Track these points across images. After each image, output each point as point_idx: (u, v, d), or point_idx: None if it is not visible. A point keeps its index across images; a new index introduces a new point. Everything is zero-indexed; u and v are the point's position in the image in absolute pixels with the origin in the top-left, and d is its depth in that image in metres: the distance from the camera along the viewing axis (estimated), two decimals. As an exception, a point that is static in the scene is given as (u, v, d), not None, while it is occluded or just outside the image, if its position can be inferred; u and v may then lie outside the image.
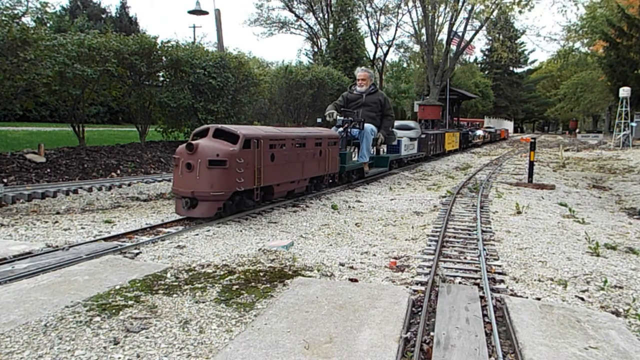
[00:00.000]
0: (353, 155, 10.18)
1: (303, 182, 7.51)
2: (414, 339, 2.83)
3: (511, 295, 3.69)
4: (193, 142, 5.64)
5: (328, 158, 8.16)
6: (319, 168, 7.90)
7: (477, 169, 15.73)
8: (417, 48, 45.78)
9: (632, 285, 4.01)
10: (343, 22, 29.58)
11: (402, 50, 54.90)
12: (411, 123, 15.22)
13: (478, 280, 4.04)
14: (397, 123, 13.87)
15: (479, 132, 34.79)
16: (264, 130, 6.42)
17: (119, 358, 2.44)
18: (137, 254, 4.46)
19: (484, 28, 36.72)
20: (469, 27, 35.57)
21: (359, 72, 10.94)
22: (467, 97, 41.05)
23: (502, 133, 49.03)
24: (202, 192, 5.55)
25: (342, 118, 9.81)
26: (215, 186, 5.55)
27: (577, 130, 66.43)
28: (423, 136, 16.16)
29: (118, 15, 45.95)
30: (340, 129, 9.65)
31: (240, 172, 5.73)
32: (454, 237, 5.65)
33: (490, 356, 2.67)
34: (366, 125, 9.96)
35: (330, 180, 8.78)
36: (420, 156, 15.78)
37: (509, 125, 79.32)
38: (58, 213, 6.86)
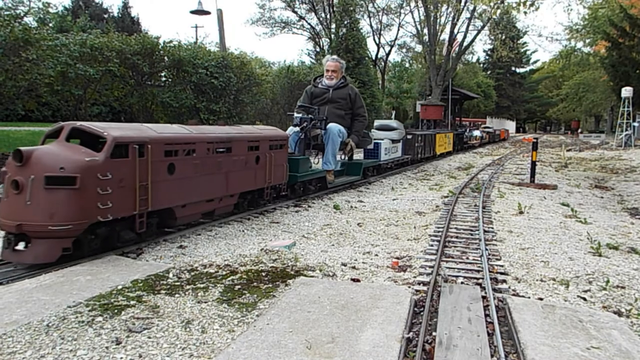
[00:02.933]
0: (316, 162, 8.55)
1: (228, 199, 5.72)
2: (416, 339, 2.82)
3: (513, 295, 3.69)
4: (24, 149, 3.94)
5: (269, 166, 6.35)
6: (255, 179, 6.09)
7: (479, 169, 15.72)
8: (419, 48, 45.73)
9: (634, 285, 4.00)
10: (345, 22, 29.51)
11: (404, 50, 54.95)
12: (393, 123, 12.95)
13: (480, 280, 4.04)
14: (376, 123, 12.89)
15: (476, 133, 32.68)
16: (157, 130, 4.69)
17: (121, 358, 2.44)
18: (140, 254, 4.46)
19: (486, 28, 36.67)
20: (471, 27, 35.57)
21: (328, 61, 8.96)
22: (469, 97, 41.08)
23: (501, 133, 46.14)
24: (35, 226, 3.76)
25: (299, 115, 8.15)
26: (57, 216, 3.77)
27: (579, 130, 66.43)
28: (409, 137, 14.43)
29: (120, 15, 45.94)
30: (297, 129, 8.01)
31: (106, 193, 3.97)
32: (456, 237, 5.65)
33: (492, 356, 2.66)
34: (331, 125, 8.22)
35: (276, 195, 7.02)
36: (405, 160, 13.86)
37: (510, 125, 79.26)
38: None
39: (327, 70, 8.84)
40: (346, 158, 9.16)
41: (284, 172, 6.85)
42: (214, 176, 5.31)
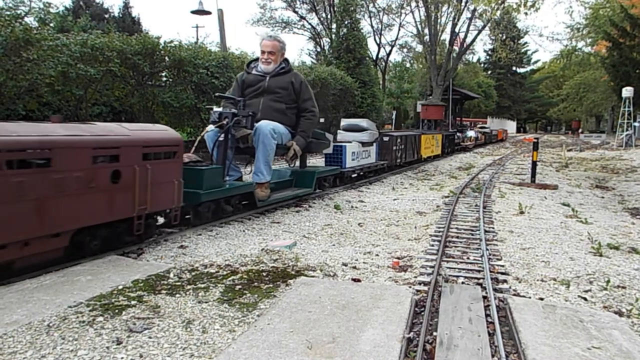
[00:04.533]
0: (248, 171, 6.76)
1: (47, 241, 3.60)
2: (417, 339, 2.82)
3: (514, 295, 3.69)
4: None
5: (143, 184, 4.31)
6: (110, 207, 4.04)
7: (480, 169, 15.72)
8: (420, 48, 45.72)
9: (634, 285, 4.00)
10: (346, 22, 29.49)
11: (405, 50, 54.94)
12: (363, 122, 10.94)
13: (481, 280, 4.04)
14: (344, 122, 11.05)
15: (471, 133, 30.00)
16: None
17: (122, 358, 2.45)
18: (140, 254, 4.46)
19: (486, 28, 36.67)
20: (471, 27, 35.59)
21: (264, 39, 6.87)
22: (470, 97, 41.03)
23: (499, 134, 43.04)
24: None
25: (218, 110, 6.16)
26: None
27: (580, 130, 66.43)
28: (386, 139, 12.56)
29: (121, 15, 45.93)
30: (212, 128, 6.02)
31: None
32: (457, 237, 5.65)
33: (493, 356, 2.66)
34: (261, 123, 6.19)
35: (163, 224, 5.32)
36: (380, 166, 11.78)
37: (511, 125, 79.26)
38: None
39: (263, 52, 6.76)
40: (292, 166, 7.33)
41: (174, 192, 4.69)
42: (6, 207, 3.25)
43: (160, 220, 5.14)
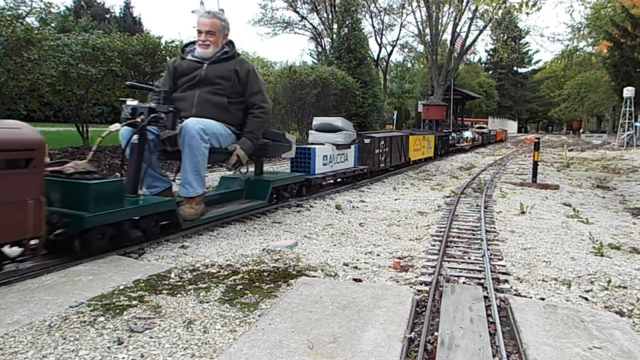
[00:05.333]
0: (176, 180, 5.50)
1: None
2: (418, 339, 2.82)
3: (515, 295, 3.69)
4: None
5: None
6: None
7: (481, 169, 15.72)
8: (421, 48, 45.74)
9: (636, 285, 4.00)
10: (347, 22, 29.47)
11: (406, 50, 54.87)
12: (338, 121, 9.53)
13: (482, 280, 4.03)
14: (316, 121, 9.64)
15: (467, 134, 28.28)
16: None
17: (123, 358, 2.45)
18: (141, 254, 4.47)
19: (488, 28, 36.67)
20: (473, 27, 35.58)
21: (201, 17, 5.39)
22: (471, 97, 40.97)
23: (498, 134, 40.80)
24: None
25: (133, 104, 4.81)
26: None
27: (581, 130, 66.41)
28: (366, 141, 11.13)
29: (122, 15, 46.05)
30: (118, 127, 4.73)
31: None
32: (458, 237, 5.65)
33: (494, 356, 2.66)
34: (187, 122, 4.89)
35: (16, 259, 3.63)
36: (359, 172, 10.36)
37: (512, 125, 79.22)
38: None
39: (199, 32, 5.39)
40: (240, 173, 6.25)
41: (26, 217, 3.30)
42: None
43: (11, 250, 3.54)
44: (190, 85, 5.37)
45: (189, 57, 5.51)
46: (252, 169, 6.50)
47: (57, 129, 21.15)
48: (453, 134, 24.45)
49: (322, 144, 8.88)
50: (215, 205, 5.69)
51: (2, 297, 3.10)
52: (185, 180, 4.96)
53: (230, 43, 5.63)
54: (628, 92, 32.21)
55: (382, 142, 11.99)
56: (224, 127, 5.31)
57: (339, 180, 9.72)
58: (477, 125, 41.36)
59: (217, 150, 5.24)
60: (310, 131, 9.52)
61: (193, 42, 5.62)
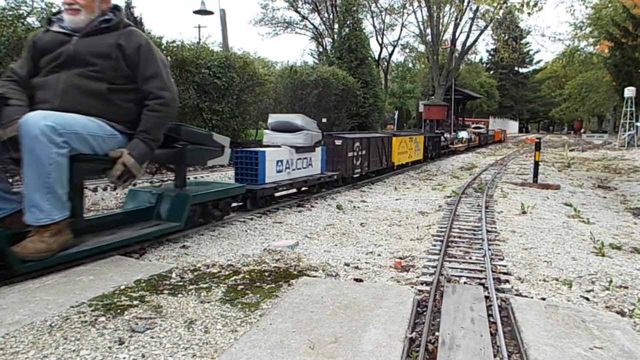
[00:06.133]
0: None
1: None
2: (419, 339, 2.82)
3: (516, 295, 3.69)
4: None
5: None
6: None
7: (482, 169, 15.71)
8: (422, 48, 45.75)
9: (637, 285, 3.99)
10: (348, 22, 29.51)
11: (407, 50, 54.89)
12: (297, 118, 8.00)
13: (483, 280, 4.03)
14: (272, 119, 8.16)
15: (462, 134, 26.81)
16: None
17: (124, 358, 2.45)
18: (142, 254, 4.47)
19: (489, 28, 36.66)
20: (474, 27, 35.58)
21: None
22: (472, 97, 41.03)
23: (496, 134, 38.99)
24: None
25: None
26: None
27: (582, 130, 66.41)
28: (338, 143, 9.61)
29: (123, 16, 45.99)
30: None
31: None
32: (459, 237, 5.64)
33: (495, 356, 2.66)
34: (27, 118, 3.34)
35: None
36: (327, 179, 8.76)
37: (513, 125, 79.20)
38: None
39: None
40: (124, 188, 4.65)
41: None
42: None
43: None
44: (54, 66, 3.84)
45: (55, 28, 3.99)
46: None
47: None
48: (446, 135, 22.64)
49: (279, 146, 7.63)
50: (110, 231, 4.35)
51: (3, 297, 3.10)
52: (31, 201, 3.43)
53: (115, 9, 4.12)
54: (629, 92, 32.21)
55: (358, 144, 10.42)
56: (100, 125, 3.82)
57: (303, 189, 8.43)
58: (473, 126, 39.02)
59: (90, 158, 3.81)
60: (265, 131, 8.22)
61: (60, 10, 4.13)
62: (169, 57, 14.42)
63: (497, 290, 3.76)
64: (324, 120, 21.93)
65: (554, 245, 5.29)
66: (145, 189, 5.19)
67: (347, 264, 4.36)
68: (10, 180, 4.47)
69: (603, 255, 4.93)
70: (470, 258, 4.76)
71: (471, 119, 56.88)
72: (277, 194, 7.57)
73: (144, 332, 2.74)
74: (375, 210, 7.40)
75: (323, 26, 45.43)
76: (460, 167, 16.56)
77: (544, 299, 3.63)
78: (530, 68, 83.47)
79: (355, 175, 10.51)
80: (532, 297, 3.65)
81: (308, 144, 7.99)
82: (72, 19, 3.89)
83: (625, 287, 3.95)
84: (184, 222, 4.81)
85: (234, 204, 6.34)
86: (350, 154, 9.96)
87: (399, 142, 13.63)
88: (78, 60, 3.82)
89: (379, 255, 4.78)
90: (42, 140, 3.31)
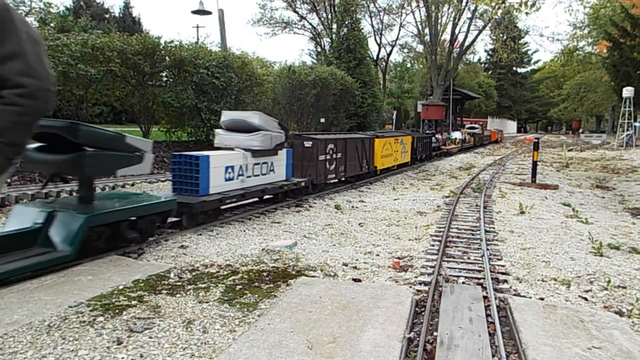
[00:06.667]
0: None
1: None
2: (418, 339, 2.82)
3: (514, 295, 3.69)
4: None
5: None
6: None
7: (480, 169, 15.71)
8: (420, 48, 45.73)
9: (635, 285, 4.00)
10: (346, 22, 29.51)
11: (405, 50, 54.90)
12: (254, 117, 6.86)
13: (481, 280, 4.04)
14: (225, 116, 7.06)
15: (456, 135, 25.29)
16: None
17: (123, 358, 2.45)
18: (141, 254, 4.46)
19: (487, 28, 36.67)
20: (472, 27, 35.59)
21: None
22: (471, 97, 41.02)
23: (492, 135, 37.40)
24: None
25: None
26: None
27: (581, 130, 66.47)
28: (307, 145, 8.40)
29: (121, 15, 45.97)
30: None
31: None
32: (458, 237, 5.64)
33: (493, 356, 2.66)
34: None
35: None
36: (292, 187, 7.60)
37: (511, 125, 79.26)
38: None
39: None
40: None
41: None
42: None
43: None
44: None
45: None
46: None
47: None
48: (437, 136, 21.09)
49: (232, 149, 6.59)
50: None
51: (2, 297, 3.09)
52: None
53: None
54: (627, 92, 32.24)
55: (332, 146, 9.03)
56: None
57: (265, 197, 7.27)
58: (468, 126, 36.40)
59: None
60: (217, 130, 7.11)
61: None
62: (167, 57, 14.40)
63: (495, 290, 3.76)
64: (322, 120, 21.91)
65: (553, 245, 5.29)
66: (35, 205, 4.28)
67: (345, 264, 4.36)
68: None
69: (601, 255, 4.93)
70: (469, 258, 4.76)
71: (469, 119, 56.85)
72: (224, 207, 6.22)
73: (142, 332, 2.74)
74: (374, 210, 7.40)
75: (321, 26, 45.43)
76: (458, 167, 16.57)
77: (542, 299, 3.63)
78: (529, 68, 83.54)
79: (329, 182, 9.26)
80: (530, 297, 3.66)
81: (267, 147, 6.81)
82: None
83: (624, 287, 3.95)
84: (76, 251, 3.78)
85: (171, 219, 5.29)
86: (322, 158, 8.66)
87: (383, 144, 12.16)
88: None
89: (378, 255, 4.78)
90: None
